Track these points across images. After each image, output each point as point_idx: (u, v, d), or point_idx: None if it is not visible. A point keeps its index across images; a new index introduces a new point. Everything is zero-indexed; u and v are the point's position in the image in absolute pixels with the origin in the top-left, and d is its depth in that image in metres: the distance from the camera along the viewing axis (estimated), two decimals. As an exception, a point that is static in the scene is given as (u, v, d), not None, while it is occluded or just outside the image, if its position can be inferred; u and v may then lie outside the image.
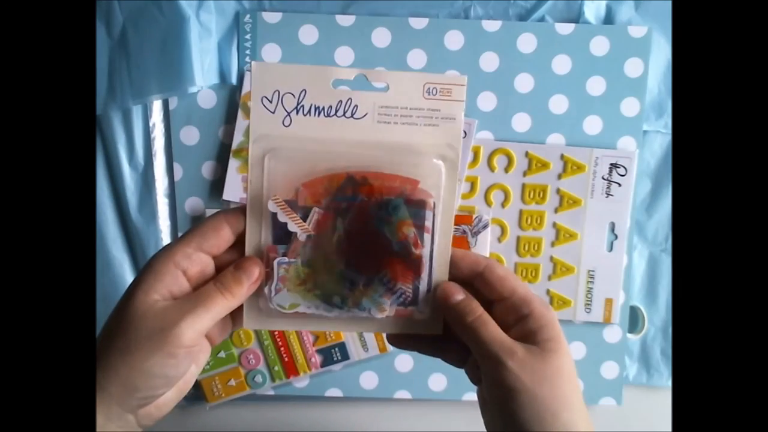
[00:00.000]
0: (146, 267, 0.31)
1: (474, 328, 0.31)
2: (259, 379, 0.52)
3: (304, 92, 0.32)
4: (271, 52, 0.49)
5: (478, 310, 0.32)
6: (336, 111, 0.32)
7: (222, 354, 0.51)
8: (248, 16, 0.49)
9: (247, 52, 0.49)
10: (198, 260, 0.32)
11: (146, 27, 0.47)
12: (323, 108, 0.32)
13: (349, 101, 0.32)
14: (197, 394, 0.53)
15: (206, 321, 0.31)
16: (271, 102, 0.32)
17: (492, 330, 0.31)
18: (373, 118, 0.33)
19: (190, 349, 0.30)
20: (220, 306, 0.31)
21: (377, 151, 0.33)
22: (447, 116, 0.33)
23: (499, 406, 0.31)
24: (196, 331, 0.30)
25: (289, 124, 0.32)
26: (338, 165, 0.32)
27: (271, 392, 0.53)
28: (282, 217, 0.32)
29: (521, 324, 0.32)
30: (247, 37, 0.49)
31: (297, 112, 0.32)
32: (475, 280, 0.33)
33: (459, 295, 0.33)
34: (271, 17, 0.49)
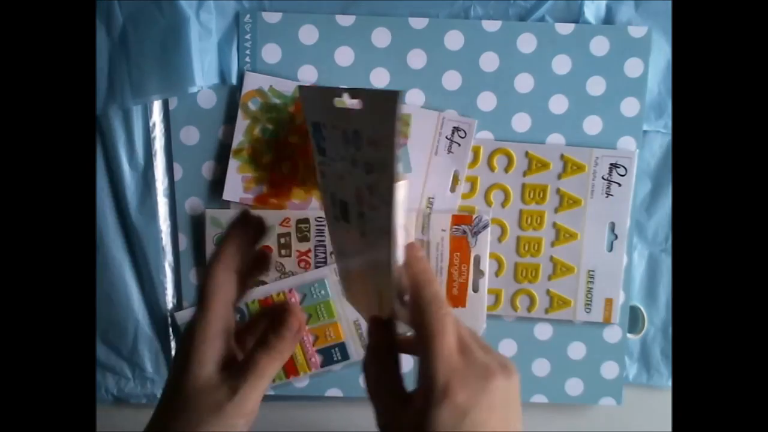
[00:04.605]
0: (194, 334, 0.31)
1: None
2: (259, 379, 0.52)
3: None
4: (271, 52, 0.49)
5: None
6: None
7: (222, 354, 0.51)
8: (248, 16, 0.49)
9: (247, 52, 0.49)
10: (233, 310, 0.33)
11: (146, 27, 0.47)
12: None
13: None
14: (197, 394, 0.53)
15: (262, 386, 0.31)
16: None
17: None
18: None
19: (250, 416, 0.32)
20: (272, 368, 0.32)
21: None
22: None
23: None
24: (255, 400, 0.31)
25: None
26: None
27: (271, 392, 0.53)
28: None
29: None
30: (247, 37, 0.49)
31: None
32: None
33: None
34: (271, 17, 0.49)
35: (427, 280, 0.31)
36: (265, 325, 0.35)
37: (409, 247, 0.32)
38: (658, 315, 0.53)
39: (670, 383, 0.54)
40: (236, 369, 0.31)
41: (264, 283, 0.51)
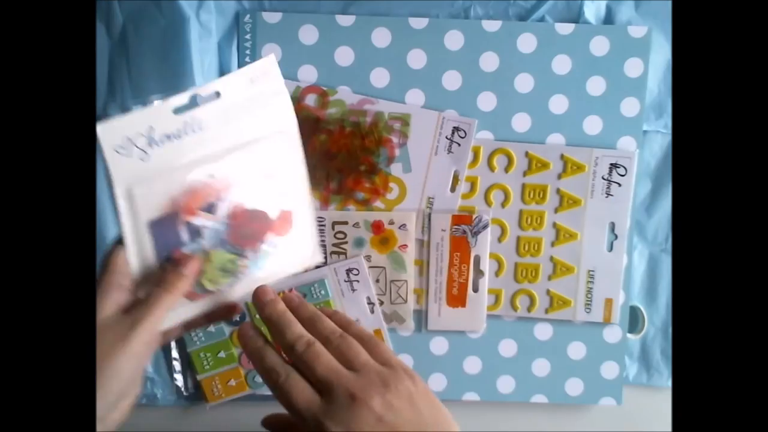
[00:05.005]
0: (96, 292, 0.37)
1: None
2: (259, 379, 0.52)
3: (151, 128, 0.35)
4: (271, 52, 0.49)
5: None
6: (185, 131, 0.36)
7: (222, 354, 0.51)
8: (248, 16, 0.49)
9: (247, 52, 0.49)
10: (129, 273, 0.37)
11: (146, 27, 0.47)
12: (172, 134, 0.36)
13: (192, 118, 0.36)
14: (197, 394, 0.53)
15: (159, 317, 0.35)
16: (124, 148, 0.35)
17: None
18: (217, 124, 0.37)
19: (152, 344, 0.36)
20: (169, 301, 0.36)
21: (229, 153, 0.37)
22: (274, 93, 0.38)
23: None
24: (153, 330, 0.35)
25: (147, 159, 0.35)
26: (199, 175, 0.37)
27: (271, 392, 0.53)
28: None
29: None
30: (247, 37, 0.49)
31: (151, 146, 0.35)
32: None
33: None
34: (271, 17, 0.49)
35: (255, 353, 0.35)
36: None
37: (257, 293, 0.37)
38: (658, 315, 0.53)
39: (670, 383, 0.54)
40: (137, 307, 0.35)
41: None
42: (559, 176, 0.50)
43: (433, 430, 0.32)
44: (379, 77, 0.50)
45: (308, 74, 0.50)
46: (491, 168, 0.51)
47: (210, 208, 0.37)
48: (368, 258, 0.51)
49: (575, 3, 0.49)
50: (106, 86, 0.48)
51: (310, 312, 0.36)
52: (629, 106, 0.50)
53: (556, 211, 0.51)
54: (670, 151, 0.51)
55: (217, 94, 0.37)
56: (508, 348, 0.52)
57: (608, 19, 0.50)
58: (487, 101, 0.50)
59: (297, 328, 0.34)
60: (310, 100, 0.50)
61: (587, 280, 0.51)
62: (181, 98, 0.36)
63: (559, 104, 0.50)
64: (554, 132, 0.50)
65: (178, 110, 0.36)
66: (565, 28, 0.49)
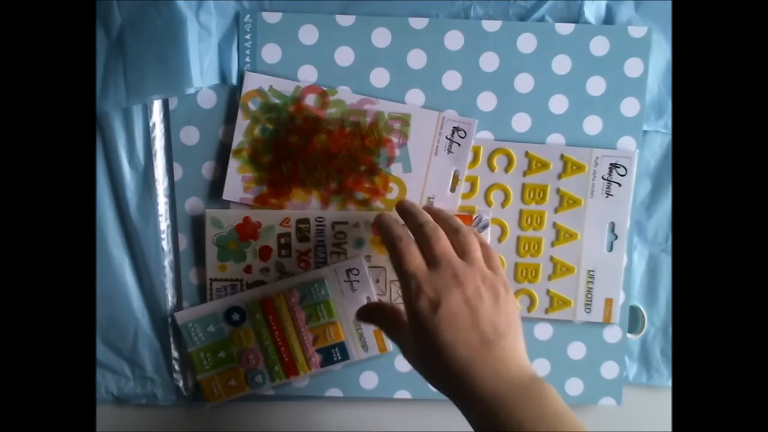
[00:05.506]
0: None
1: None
2: (259, 379, 0.52)
3: None
4: (271, 52, 0.49)
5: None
6: None
7: (222, 354, 0.51)
8: (248, 16, 0.49)
9: (247, 52, 0.49)
10: None
11: (144, 28, 0.47)
12: None
13: None
14: (197, 394, 0.53)
15: None
16: None
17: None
18: None
19: None
20: None
21: None
22: None
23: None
24: None
25: None
26: None
27: (271, 392, 0.53)
28: None
29: None
30: (247, 37, 0.49)
31: None
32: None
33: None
34: (271, 17, 0.49)
35: (387, 227, 0.42)
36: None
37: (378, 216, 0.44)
38: (658, 315, 0.53)
39: (670, 383, 0.54)
40: None
41: (264, 282, 0.51)
42: (559, 176, 0.50)
43: (504, 328, 0.38)
44: (379, 77, 0.50)
45: (308, 74, 0.50)
46: (491, 168, 0.51)
47: None
48: (368, 258, 0.51)
49: (575, 3, 0.49)
50: (104, 86, 0.48)
51: (446, 214, 0.43)
52: (629, 106, 0.50)
53: (556, 211, 0.51)
54: (670, 151, 0.51)
55: None
56: (508, 348, 0.52)
57: (608, 19, 0.50)
58: (487, 101, 0.50)
59: (429, 217, 0.41)
60: (310, 100, 0.50)
61: (587, 280, 0.51)
62: None
63: (559, 104, 0.50)
64: (554, 132, 0.50)
65: None
66: (565, 28, 0.49)
